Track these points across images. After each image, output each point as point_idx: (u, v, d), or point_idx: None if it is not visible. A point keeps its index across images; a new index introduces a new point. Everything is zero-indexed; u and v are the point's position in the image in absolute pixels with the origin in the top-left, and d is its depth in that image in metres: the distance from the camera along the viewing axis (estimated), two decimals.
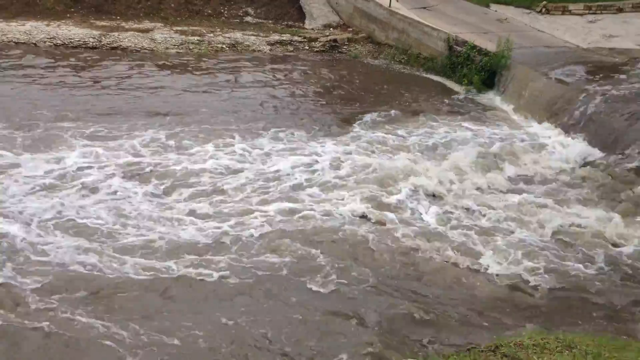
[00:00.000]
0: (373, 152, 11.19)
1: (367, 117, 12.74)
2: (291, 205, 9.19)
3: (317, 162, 10.61)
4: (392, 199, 9.45)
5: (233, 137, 11.42)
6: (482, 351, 4.94)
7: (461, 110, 13.59)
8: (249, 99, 13.61)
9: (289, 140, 11.49)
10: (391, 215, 8.98)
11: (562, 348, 4.83)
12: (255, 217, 8.76)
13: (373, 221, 8.85)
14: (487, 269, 7.86)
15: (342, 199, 9.42)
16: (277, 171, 10.21)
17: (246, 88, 14.24)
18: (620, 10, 17.35)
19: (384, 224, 8.80)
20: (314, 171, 10.28)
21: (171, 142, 10.97)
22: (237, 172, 10.13)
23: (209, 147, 10.93)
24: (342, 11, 19.23)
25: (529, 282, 7.63)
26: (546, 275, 7.69)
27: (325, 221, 8.76)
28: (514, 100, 13.86)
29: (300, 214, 8.95)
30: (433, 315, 6.86)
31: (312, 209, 9.08)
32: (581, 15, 17.34)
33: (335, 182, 9.91)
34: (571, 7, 17.49)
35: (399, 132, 12.17)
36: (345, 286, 7.33)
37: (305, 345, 6.26)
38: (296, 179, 10.02)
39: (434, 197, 9.68)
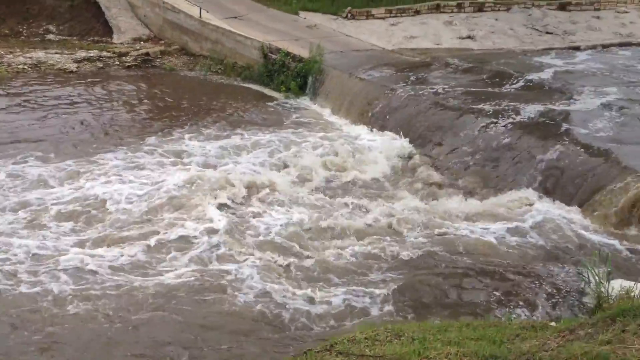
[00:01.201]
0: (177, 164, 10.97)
1: (177, 132, 12.40)
2: None
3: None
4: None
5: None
6: (318, 352, 4.98)
7: (280, 117, 13.75)
8: (52, 119, 12.79)
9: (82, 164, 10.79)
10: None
11: (392, 337, 5.02)
12: None
13: None
14: None
15: None
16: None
17: (48, 109, 13.32)
18: (417, 12, 18.63)
19: None
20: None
21: None
22: None
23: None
24: (152, 24, 18.71)
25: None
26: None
27: None
28: (330, 103, 14.33)
29: None
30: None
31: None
32: (383, 18, 18.37)
33: None
34: (374, 11, 18.46)
35: (214, 142, 11.98)
36: None
37: None
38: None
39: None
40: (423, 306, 7.24)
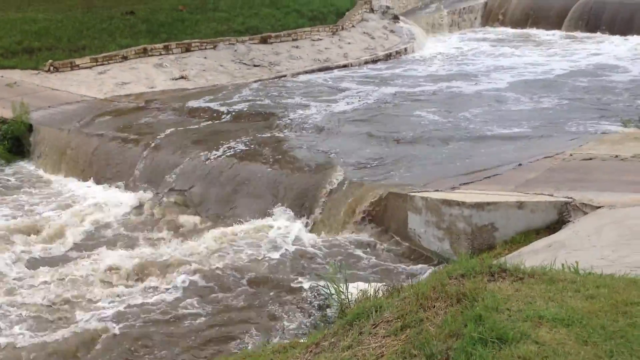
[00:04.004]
0: None
1: None
2: None
3: None
4: None
5: None
6: None
7: None
8: None
9: None
10: None
11: None
12: None
13: None
14: None
15: None
16: None
17: None
18: (125, 58, 18.27)
19: None
20: None
21: None
22: None
23: None
24: None
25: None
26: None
27: None
28: (48, 161, 13.34)
29: None
30: None
31: None
32: (90, 68, 17.67)
33: None
34: (78, 61, 17.67)
35: None
36: None
37: None
38: None
39: None
40: None
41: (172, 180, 11.53)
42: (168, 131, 13.07)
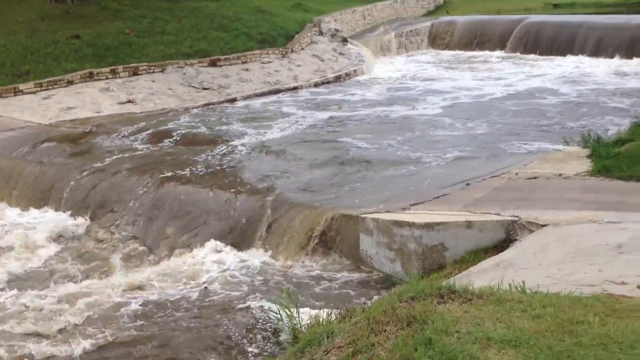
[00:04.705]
0: None
1: None
2: None
3: None
4: None
5: None
6: None
7: None
8: None
9: None
10: None
11: None
12: None
13: None
14: None
15: None
16: None
17: None
18: (70, 82, 17.94)
19: None
20: None
21: None
22: None
23: None
24: None
25: None
26: None
27: None
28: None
29: None
30: None
31: None
32: (34, 93, 17.29)
33: None
34: (22, 87, 17.27)
35: None
36: None
37: None
38: None
39: None
40: None
41: (109, 206, 11.32)
42: (110, 156, 12.86)
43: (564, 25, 28.33)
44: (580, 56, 25.98)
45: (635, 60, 24.57)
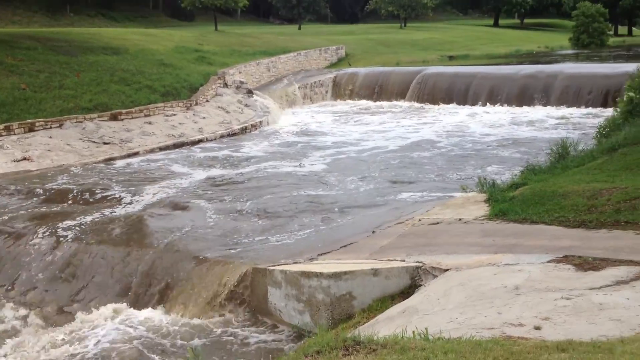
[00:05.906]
0: None
1: None
2: None
3: None
4: None
5: None
6: None
7: None
8: None
9: None
10: None
11: None
12: None
13: None
14: None
15: None
16: None
17: None
18: None
19: None
20: None
21: None
22: None
23: None
24: None
25: None
26: None
27: None
28: None
29: None
30: None
31: None
32: None
33: None
34: None
35: None
36: None
37: None
38: None
39: None
40: None
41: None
42: None
43: (458, 75, 29.82)
44: (474, 106, 27.26)
45: (525, 108, 26.11)
